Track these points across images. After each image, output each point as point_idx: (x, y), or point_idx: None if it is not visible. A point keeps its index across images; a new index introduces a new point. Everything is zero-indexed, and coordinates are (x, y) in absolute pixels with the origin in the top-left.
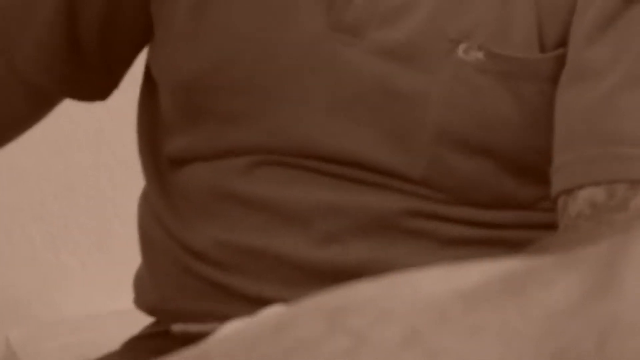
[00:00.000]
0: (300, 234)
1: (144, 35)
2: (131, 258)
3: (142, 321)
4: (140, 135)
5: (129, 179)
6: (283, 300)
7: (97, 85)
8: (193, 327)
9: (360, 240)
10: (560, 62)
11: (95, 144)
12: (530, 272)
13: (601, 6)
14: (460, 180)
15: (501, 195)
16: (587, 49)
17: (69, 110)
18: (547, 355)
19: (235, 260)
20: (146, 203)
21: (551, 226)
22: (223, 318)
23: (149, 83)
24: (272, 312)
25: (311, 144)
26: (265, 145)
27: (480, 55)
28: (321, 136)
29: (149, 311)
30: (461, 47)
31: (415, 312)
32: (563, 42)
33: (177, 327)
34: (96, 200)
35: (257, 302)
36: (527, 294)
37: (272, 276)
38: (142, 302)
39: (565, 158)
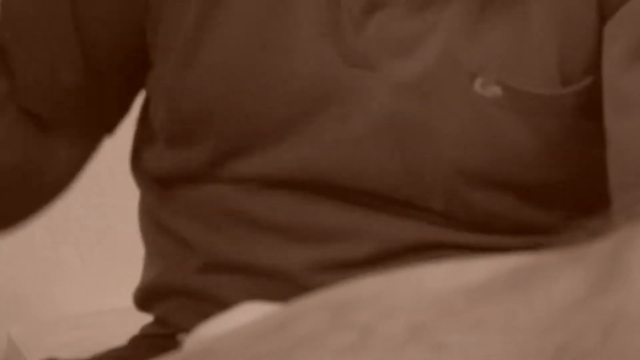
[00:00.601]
0: (309, 259)
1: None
2: (131, 254)
3: (143, 318)
4: (135, 151)
5: (130, 175)
6: None
7: (106, 118)
8: None
9: (374, 269)
10: (586, 93)
11: None
12: (535, 268)
13: (633, 34)
14: (479, 213)
15: (523, 224)
16: (622, 78)
17: None
18: (550, 349)
19: (238, 279)
20: (146, 213)
21: None
22: None
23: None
24: (261, 310)
25: (323, 174)
26: (276, 173)
27: (498, 90)
28: (334, 166)
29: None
30: (478, 82)
31: (419, 307)
32: (590, 70)
33: (184, 338)
34: (96, 196)
35: None
36: (531, 289)
37: (278, 298)
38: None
39: (623, 199)
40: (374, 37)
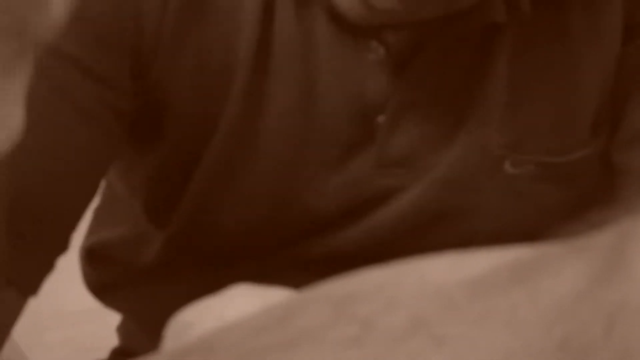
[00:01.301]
0: None
1: None
2: None
3: None
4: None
5: None
6: None
7: None
8: None
9: None
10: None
11: None
12: (538, 260)
13: None
14: None
15: None
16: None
17: None
18: (554, 341)
19: None
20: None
21: None
22: None
23: None
24: (281, 298)
25: (349, 253)
26: (306, 255)
27: (530, 167)
28: (362, 248)
29: None
30: (507, 162)
31: (422, 299)
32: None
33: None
34: (97, 193)
35: None
36: (535, 282)
37: None
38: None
39: None
40: (406, 139)
